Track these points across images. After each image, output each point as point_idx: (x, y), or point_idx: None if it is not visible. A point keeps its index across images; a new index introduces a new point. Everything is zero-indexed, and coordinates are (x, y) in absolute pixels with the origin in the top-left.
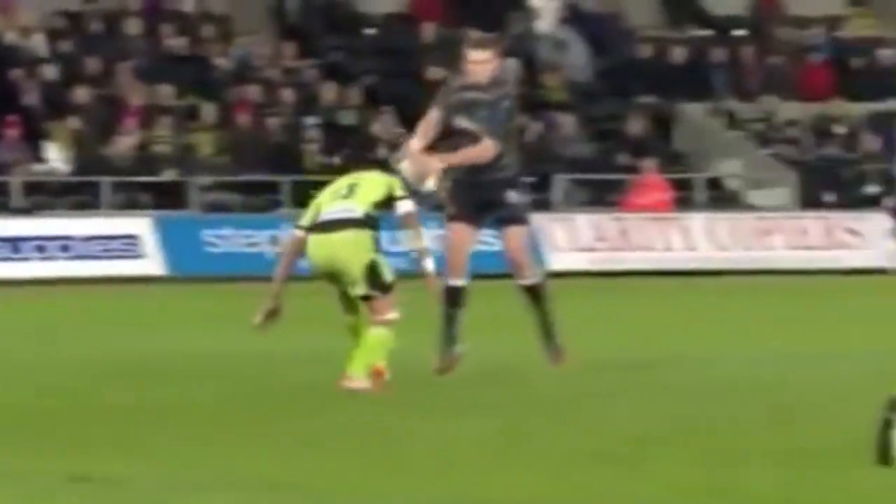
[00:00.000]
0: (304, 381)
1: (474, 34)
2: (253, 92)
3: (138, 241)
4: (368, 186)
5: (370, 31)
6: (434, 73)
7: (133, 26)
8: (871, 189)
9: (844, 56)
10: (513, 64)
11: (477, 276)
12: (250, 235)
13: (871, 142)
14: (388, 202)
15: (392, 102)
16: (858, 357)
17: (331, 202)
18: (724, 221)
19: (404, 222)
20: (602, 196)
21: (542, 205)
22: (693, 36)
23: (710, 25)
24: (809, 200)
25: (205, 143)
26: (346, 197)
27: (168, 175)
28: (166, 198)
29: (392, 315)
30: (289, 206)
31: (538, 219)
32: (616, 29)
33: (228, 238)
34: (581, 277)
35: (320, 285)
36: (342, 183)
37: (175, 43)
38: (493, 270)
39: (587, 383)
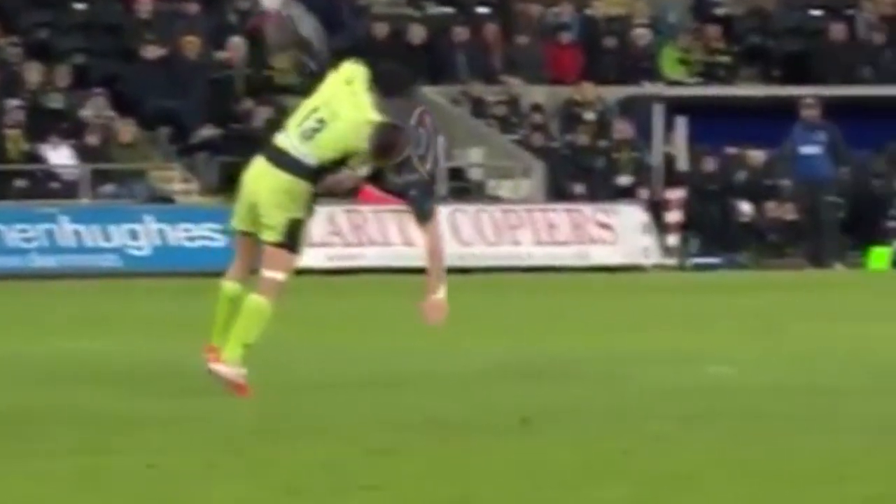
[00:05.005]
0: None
1: None
2: None
3: None
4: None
5: (79, 6)
6: (150, 51)
7: None
8: (624, 180)
9: (595, 36)
10: (238, 43)
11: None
12: None
13: (623, 129)
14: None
15: (104, 84)
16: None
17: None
18: (467, 214)
19: None
20: None
21: None
22: (433, 13)
23: (450, 2)
24: (558, 192)
25: None
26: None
27: None
28: None
29: (282, 276)
30: None
31: None
32: (349, 5)
33: None
34: (316, 275)
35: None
36: (313, 104)
37: None
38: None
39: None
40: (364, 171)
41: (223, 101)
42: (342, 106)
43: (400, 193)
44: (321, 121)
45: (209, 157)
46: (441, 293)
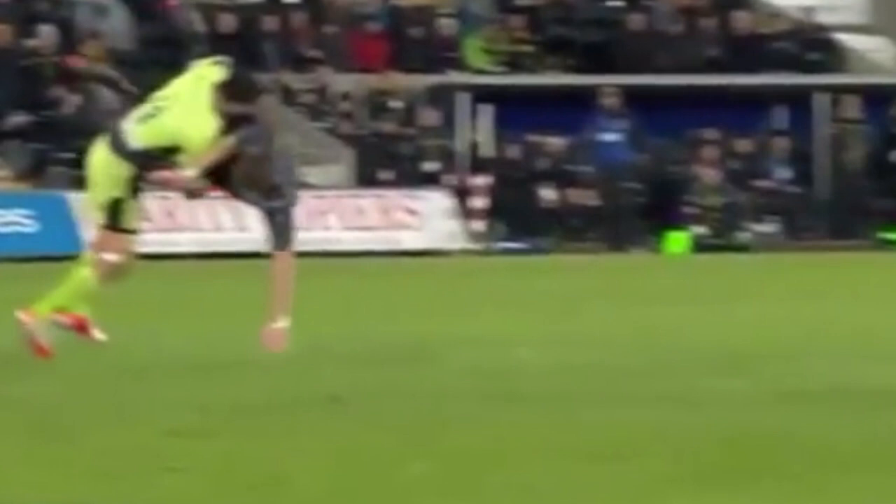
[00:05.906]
0: None
1: None
2: None
3: None
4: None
5: None
6: None
7: None
8: (430, 166)
9: (401, 25)
10: (48, 31)
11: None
12: None
13: (429, 116)
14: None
15: None
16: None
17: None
18: None
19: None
20: None
21: (83, 182)
22: (242, 2)
23: None
24: (365, 178)
25: None
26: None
27: None
28: None
29: (112, 257)
30: None
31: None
32: None
33: None
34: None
35: None
36: (165, 92)
37: None
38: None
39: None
40: (194, 171)
41: (34, 88)
42: (181, 104)
43: (265, 216)
44: (158, 108)
45: (20, 144)
46: (283, 322)
